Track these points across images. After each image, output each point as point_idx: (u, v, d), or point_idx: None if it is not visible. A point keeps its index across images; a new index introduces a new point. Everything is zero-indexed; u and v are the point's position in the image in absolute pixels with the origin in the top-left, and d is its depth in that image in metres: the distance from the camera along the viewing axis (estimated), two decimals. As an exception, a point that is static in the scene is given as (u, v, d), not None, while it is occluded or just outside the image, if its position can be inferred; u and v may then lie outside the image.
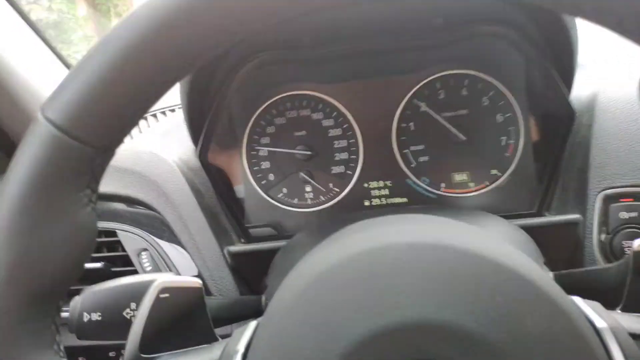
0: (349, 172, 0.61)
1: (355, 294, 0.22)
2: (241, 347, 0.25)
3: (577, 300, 0.25)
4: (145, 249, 0.57)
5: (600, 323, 0.23)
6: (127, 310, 0.43)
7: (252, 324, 0.27)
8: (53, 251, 0.25)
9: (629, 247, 0.51)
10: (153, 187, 0.59)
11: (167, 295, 0.29)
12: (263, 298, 0.46)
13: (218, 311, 0.46)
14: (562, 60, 0.55)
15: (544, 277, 0.23)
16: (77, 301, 0.37)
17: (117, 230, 0.57)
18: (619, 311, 0.28)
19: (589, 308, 0.24)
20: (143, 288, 0.32)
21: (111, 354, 0.43)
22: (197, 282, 0.30)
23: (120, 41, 0.23)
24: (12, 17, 0.68)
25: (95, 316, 0.42)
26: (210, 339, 0.30)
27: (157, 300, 0.29)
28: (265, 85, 0.61)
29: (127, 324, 0.41)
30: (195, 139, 0.61)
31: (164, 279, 0.29)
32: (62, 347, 0.27)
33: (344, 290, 0.23)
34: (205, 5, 0.23)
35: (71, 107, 0.23)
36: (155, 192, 0.58)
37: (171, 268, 0.57)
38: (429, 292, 0.22)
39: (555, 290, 0.23)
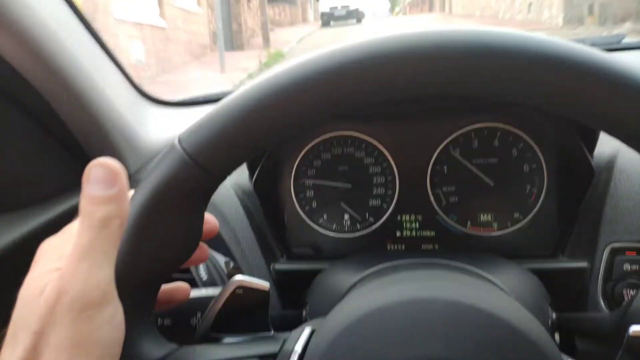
0: (384, 205, 0.68)
1: (400, 331, 0.29)
2: (299, 348, 0.31)
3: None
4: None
5: None
6: (193, 318, 0.51)
7: (308, 329, 0.33)
8: (167, 248, 0.32)
9: (629, 294, 0.57)
10: (213, 208, 0.66)
11: (241, 291, 0.36)
12: (303, 312, 0.54)
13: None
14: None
15: (551, 345, 0.29)
16: None
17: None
18: None
19: None
20: (209, 301, 0.40)
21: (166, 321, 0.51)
22: (266, 285, 0.36)
23: (249, 101, 0.30)
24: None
25: (167, 321, 0.51)
26: (266, 329, 0.36)
27: (232, 294, 0.35)
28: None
29: (192, 330, 0.49)
30: (251, 169, 0.68)
31: (242, 278, 0.36)
32: (155, 318, 0.34)
33: (391, 325, 0.29)
34: (326, 90, 0.29)
35: (202, 142, 0.30)
36: (214, 212, 0.66)
37: (224, 279, 0.65)
38: (458, 342, 0.28)
39: (553, 351, 0.29)
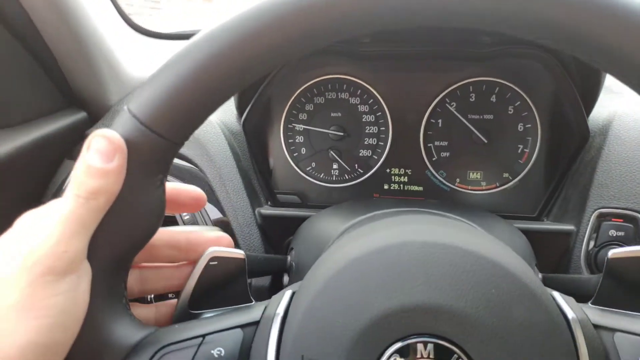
0: (374, 156, 0.67)
1: (378, 280, 0.28)
2: (280, 311, 0.31)
3: (556, 294, 0.31)
4: (184, 200, 0.64)
5: (570, 314, 0.29)
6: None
7: (288, 292, 0.32)
8: (129, 221, 0.30)
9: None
10: (198, 146, 0.64)
11: (215, 263, 0.34)
12: (288, 258, 0.53)
13: (251, 265, 0.54)
14: (588, 85, 0.60)
15: (531, 277, 0.29)
16: None
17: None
18: (590, 304, 0.33)
19: (563, 302, 0.30)
20: None
21: (149, 298, 0.50)
22: (241, 253, 0.35)
23: (196, 54, 0.27)
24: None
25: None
26: (247, 300, 0.35)
27: (207, 267, 0.34)
28: (310, 66, 0.65)
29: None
30: (240, 109, 0.65)
31: (215, 249, 0.35)
32: (128, 302, 0.32)
33: (369, 276, 0.29)
34: (269, 31, 0.27)
35: (152, 106, 0.28)
36: (200, 151, 0.64)
37: (205, 220, 0.63)
38: (438, 282, 0.28)
39: (539, 289, 0.28)
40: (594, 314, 0.31)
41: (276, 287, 0.61)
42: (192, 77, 0.28)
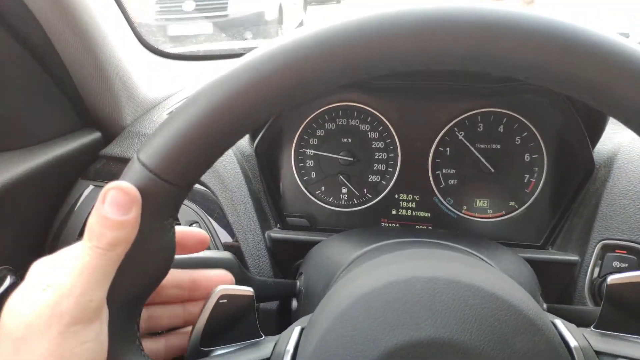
0: (383, 182, 0.68)
1: (387, 315, 0.29)
2: (290, 348, 0.31)
3: (558, 321, 0.32)
4: (196, 222, 0.65)
5: (572, 342, 0.30)
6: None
7: (297, 329, 0.33)
8: (143, 266, 0.31)
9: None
10: (211, 170, 0.65)
11: (225, 300, 0.35)
12: (297, 283, 0.54)
13: (261, 289, 0.54)
14: (594, 118, 0.61)
15: (533, 308, 0.30)
16: None
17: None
18: (592, 329, 0.34)
19: (565, 329, 0.31)
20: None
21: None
22: (250, 290, 0.36)
23: (203, 104, 0.29)
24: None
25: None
26: (256, 335, 0.35)
27: (217, 305, 0.35)
28: (322, 94, 0.66)
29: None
30: (253, 132, 0.67)
31: (225, 287, 0.35)
32: (141, 341, 0.33)
33: (377, 312, 0.30)
34: (276, 79, 0.28)
35: (161, 155, 0.29)
36: (212, 173, 0.65)
37: (216, 242, 0.64)
38: (443, 317, 0.29)
39: (540, 319, 0.29)
40: (596, 340, 0.32)
41: (284, 310, 0.62)
42: (199, 125, 0.29)
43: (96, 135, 0.72)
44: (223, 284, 0.43)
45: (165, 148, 0.29)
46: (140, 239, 0.30)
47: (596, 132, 0.63)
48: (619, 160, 0.62)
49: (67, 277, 0.28)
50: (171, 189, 0.30)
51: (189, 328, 0.46)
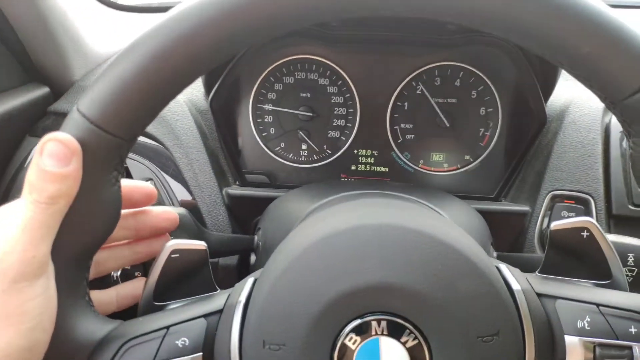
0: (343, 137, 0.68)
1: (336, 262, 0.30)
2: (243, 298, 0.31)
3: (502, 266, 0.33)
4: (150, 179, 0.63)
5: (515, 285, 0.31)
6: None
7: (251, 280, 0.33)
8: (88, 220, 0.30)
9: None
10: (164, 124, 0.64)
11: (177, 255, 0.35)
12: (255, 238, 0.54)
13: (217, 245, 0.54)
14: (547, 72, 0.62)
15: (478, 253, 0.31)
16: None
17: (127, 158, 0.63)
18: (537, 273, 0.36)
19: (509, 273, 0.32)
20: None
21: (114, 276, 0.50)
22: (202, 244, 0.35)
23: (143, 50, 0.28)
24: None
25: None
26: (212, 289, 0.35)
27: (169, 259, 0.34)
28: (279, 45, 0.65)
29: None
30: (208, 86, 0.65)
31: (176, 241, 0.35)
32: (90, 298, 0.33)
33: (325, 260, 0.30)
34: (218, 21, 0.27)
35: (101, 105, 0.28)
36: (166, 129, 0.64)
37: (172, 199, 0.64)
38: (389, 262, 0.29)
39: (484, 263, 0.30)
40: (538, 282, 0.33)
41: (244, 266, 0.62)
42: (139, 74, 0.28)
43: (44, 90, 0.69)
44: (168, 221, 0.43)
45: (105, 98, 0.28)
46: (84, 193, 0.29)
47: (549, 86, 0.64)
48: (570, 114, 0.64)
49: (8, 234, 0.27)
50: (114, 140, 0.29)
51: (141, 279, 0.45)
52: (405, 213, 0.35)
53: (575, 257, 0.35)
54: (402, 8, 0.28)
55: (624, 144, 0.61)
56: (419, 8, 0.28)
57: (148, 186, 0.41)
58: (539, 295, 0.32)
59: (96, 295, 0.40)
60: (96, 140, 0.29)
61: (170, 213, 0.44)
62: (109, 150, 0.29)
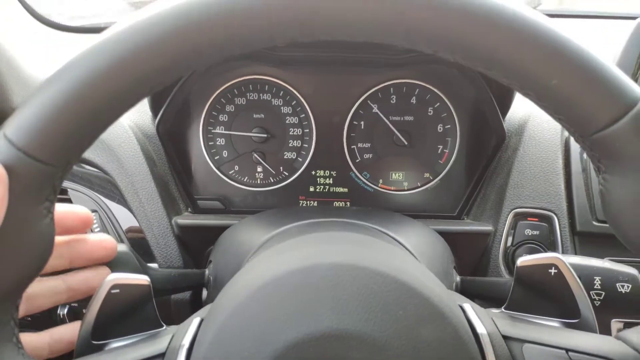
0: (299, 158, 0.65)
1: (287, 306, 0.27)
2: (186, 342, 0.29)
3: (467, 306, 0.31)
4: (95, 210, 0.59)
5: (480, 329, 0.29)
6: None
7: (196, 320, 0.31)
8: (15, 257, 0.27)
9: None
10: (107, 151, 0.60)
11: (117, 290, 0.32)
12: (206, 272, 0.50)
13: (163, 283, 0.51)
14: (503, 87, 0.61)
15: (440, 294, 0.29)
16: None
17: (68, 189, 0.59)
18: (503, 309, 0.34)
19: (474, 314, 0.30)
20: None
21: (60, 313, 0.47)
22: (145, 279, 0.33)
23: (77, 72, 0.25)
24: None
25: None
26: (157, 325, 0.33)
27: (109, 295, 0.32)
28: (229, 67, 0.62)
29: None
30: (155, 109, 0.62)
31: (116, 276, 0.33)
32: (20, 340, 0.29)
33: (276, 303, 0.27)
34: (158, 45, 0.25)
35: (29, 130, 0.25)
36: (109, 156, 0.60)
37: (118, 231, 0.60)
38: (345, 307, 0.27)
39: (447, 306, 0.28)
40: (504, 324, 0.31)
41: (197, 299, 0.58)
42: (71, 96, 0.25)
43: (-21, 118, 0.65)
44: (106, 250, 0.40)
45: (33, 122, 0.25)
46: (10, 225, 0.26)
47: (506, 101, 0.63)
48: (529, 128, 0.63)
49: None
50: (44, 168, 0.26)
51: (77, 322, 0.41)
52: (362, 250, 0.33)
53: (543, 294, 0.33)
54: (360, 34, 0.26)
55: (585, 157, 0.60)
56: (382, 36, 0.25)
57: (83, 211, 0.38)
58: (505, 338, 0.30)
59: (27, 338, 0.36)
60: (24, 168, 0.26)
61: (107, 242, 0.40)
62: (39, 179, 0.26)
